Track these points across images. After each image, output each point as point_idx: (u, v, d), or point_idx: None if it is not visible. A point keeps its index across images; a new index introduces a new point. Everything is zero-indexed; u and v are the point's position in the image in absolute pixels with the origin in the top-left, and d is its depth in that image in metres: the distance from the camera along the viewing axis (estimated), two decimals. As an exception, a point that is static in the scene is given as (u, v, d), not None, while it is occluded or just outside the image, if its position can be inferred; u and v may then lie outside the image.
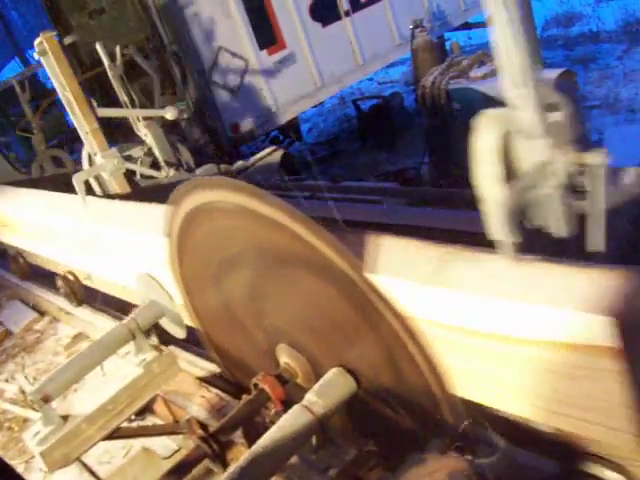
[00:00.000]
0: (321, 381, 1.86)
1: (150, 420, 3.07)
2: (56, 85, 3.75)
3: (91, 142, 3.73)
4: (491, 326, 1.51)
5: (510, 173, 1.55)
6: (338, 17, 7.99)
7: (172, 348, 2.93)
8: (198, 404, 2.68)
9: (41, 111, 7.73)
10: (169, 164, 5.31)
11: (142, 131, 5.34)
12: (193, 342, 2.91)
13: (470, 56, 6.06)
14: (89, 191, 3.67)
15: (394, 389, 1.78)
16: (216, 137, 6.86)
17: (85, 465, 3.05)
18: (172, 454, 2.88)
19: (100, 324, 3.75)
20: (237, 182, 1.93)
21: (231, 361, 2.58)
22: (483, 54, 6.04)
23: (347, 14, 8.03)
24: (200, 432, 2.02)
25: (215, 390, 2.69)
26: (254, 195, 1.80)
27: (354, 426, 1.99)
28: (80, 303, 3.97)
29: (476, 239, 1.64)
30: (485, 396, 1.66)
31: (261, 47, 7.27)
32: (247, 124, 7.08)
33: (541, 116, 1.52)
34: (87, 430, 2.47)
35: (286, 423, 1.81)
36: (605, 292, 1.35)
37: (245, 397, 2.07)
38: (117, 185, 3.83)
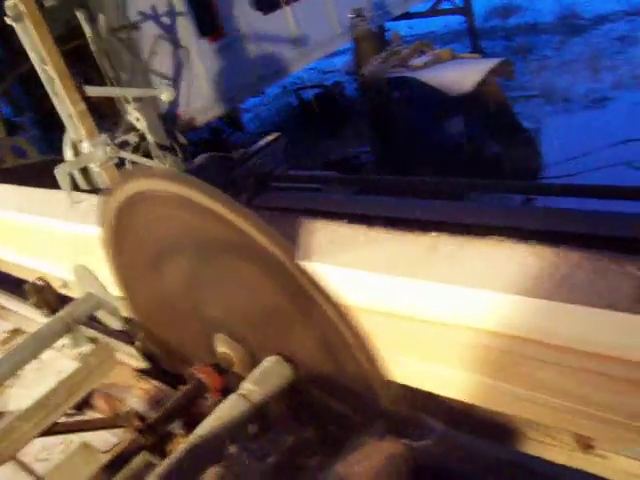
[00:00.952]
0: (258, 369, 1.86)
1: (89, 414, 3.01)
2: (33, 57, 3.19)
3: (77, 127, 3.20)
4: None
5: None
6: (279, 5, 7.95)
7: (109, 340, 2.88)
8: (137, 396, 2.64)
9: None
10: (164, 151, 4.81)
11: (133, 115, 4.76)
12: (131, 333, 2.87)
13: (410, 45, 6.10)
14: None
15: (331, 376, 1.79)
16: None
17: (21, 463, 2.98)
18: (112, 448, 2.83)
19: (39, 319, 3.65)
20: (170, 171, 1.91)
21: (169, 351, 2.55)
22: (422, 44, 6.09)
23: (287, 3, 8.00)
24: (137, 424, 1.99)
25: (154, 382, 2.66)
26: (188, 183, 1.77)
27: (293, 413, 1.99)
28: (53, 313, 3.38)
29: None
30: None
31: (201, 34, 7.18)
32: (187, 113, 7.00)
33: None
34: (22, 427, 2.42)
35: (223, 412, 1.80)
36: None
37: (182, 388, 2.05)
38: (108, 178, 3.41)
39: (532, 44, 11.16)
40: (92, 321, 2.83)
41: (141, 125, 4.65)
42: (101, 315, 2.76)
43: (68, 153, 3.79)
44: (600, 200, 3.41)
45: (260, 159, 5.21)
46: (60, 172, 2.96)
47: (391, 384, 1.69)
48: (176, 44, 6.85)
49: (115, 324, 2.80)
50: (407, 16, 11.20)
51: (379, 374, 1.68)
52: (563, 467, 1.68)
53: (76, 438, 3.01)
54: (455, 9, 10.55)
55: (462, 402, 1.67)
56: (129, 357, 2.95)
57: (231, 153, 5.23)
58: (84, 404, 2.97)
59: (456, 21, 12.97)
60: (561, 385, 1.40)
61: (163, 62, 6.86)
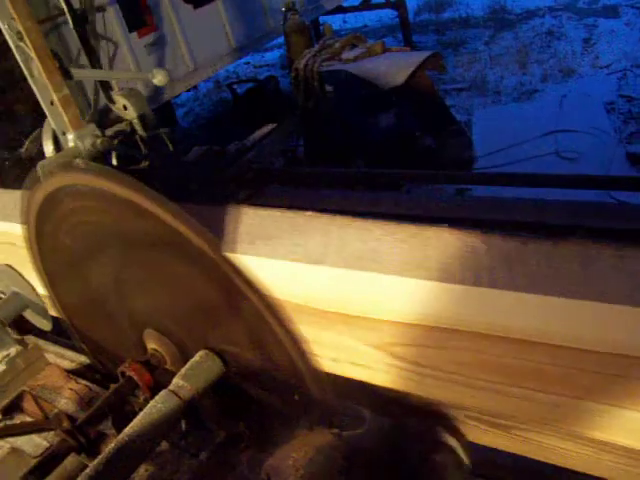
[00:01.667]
0: (188, 365, 1.84)
1: (19, 418, 2.93)
2: (7, 32, 2.76)
3: (59, 115, 2.70)
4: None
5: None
6: (210, -1, 7.87)
7: (38, 341, 2.82)
8: (67, 397, 2.58)
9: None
10: (154, 143, 4.35)
11: (119, 102, 4.17)
12: (60, 333, 2.81)
13: (342, 39, 6.12)
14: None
15: (261, 368, 1.78)
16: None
17: (-53, 471, 2.89)
18: (43, 452, 2.77)
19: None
20: (94, 165, 1.87)
21: (100, 351, 2.51)
22: (354, 37, 6.13)
23: (219, -4, 7.92)
24: (66, 425, 1.95)
25: (84, 381, 2.61)
26: (111, 177, 1.74)
27: (224, 408, 1.98)
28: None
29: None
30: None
31: (130, 29, 7.05)
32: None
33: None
34: (-53, 433, 2.34)
35: (153, 409, 1.78)
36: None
37: (112, 386, 2.01)
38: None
39: (463, 38, 11.33)
40: (19, 322, 2.75)
41: (130, 115, 4.03)
42: (29, 315, 2.69)
43: (49, 147, 3.34)
44: (531, 188, 3.48)
45: (257, 153, 4.91)
46: (42, 170, 2.48)
47: (320, 374, 1.70)
48: (104, 38, 6.71)
49: (43, 324, 2.73)
50: (341, 10, 11.24)
51: (308, 365, 1.68)
52: (491, 449, 1.72)
53: (5, 443, 2.94)
54: (387, 3, 10.61)
55: (391, 389, 1.68)
56: (59, 357, 2.89)
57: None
58: (13, 407, 2.89)
59: (389, 15, 13.08)
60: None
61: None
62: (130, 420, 1.86)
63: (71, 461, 2.02)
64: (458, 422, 1.67)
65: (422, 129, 5.81)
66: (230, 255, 1.63)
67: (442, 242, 1.45)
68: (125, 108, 4.09)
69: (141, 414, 1.78)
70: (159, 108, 7.51)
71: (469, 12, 13.12)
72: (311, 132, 5.93)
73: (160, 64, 7.28)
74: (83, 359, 2.73)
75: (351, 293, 1.51)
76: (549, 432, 1.48)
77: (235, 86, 9.07)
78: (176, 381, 1.81)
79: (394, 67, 5.30)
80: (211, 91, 11.26)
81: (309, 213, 1.69)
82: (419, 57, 5.56)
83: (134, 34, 7.08)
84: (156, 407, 1.78)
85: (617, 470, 1.45)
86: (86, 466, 2.07)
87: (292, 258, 1.56)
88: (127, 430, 1.76)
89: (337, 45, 5.93)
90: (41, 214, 2.09)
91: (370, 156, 5.17)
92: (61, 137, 2.67)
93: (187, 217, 1.62)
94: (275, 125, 5.53)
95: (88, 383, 2.60)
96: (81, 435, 1.92)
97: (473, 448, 1.74)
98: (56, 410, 2.47)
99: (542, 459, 1.60)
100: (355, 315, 1.53)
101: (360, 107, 5.37)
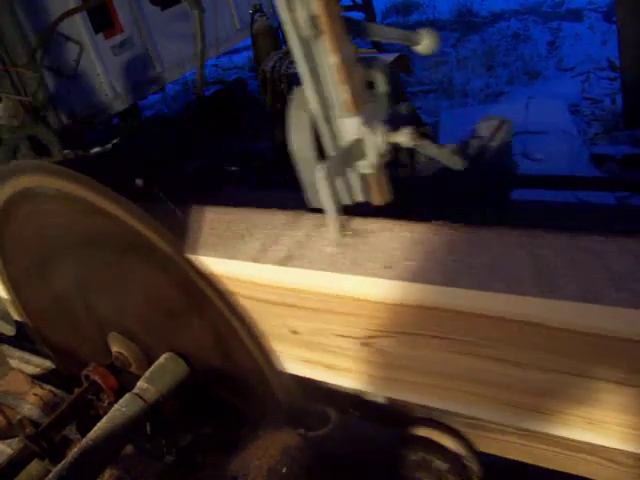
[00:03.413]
0: (152, 367, 1.83)
1: (-18, 425, 2.89)
2: None
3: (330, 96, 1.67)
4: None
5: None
6: (177, 1, 7.81)
7: (1, 346, 2.78)
8: (31, 403, 2.55)
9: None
10: None
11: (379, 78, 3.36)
12: (24, 338, 2.77)
13: (309, 41, 6.13)
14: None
15: (225, 370, 1.78)
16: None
17: None
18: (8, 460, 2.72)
19: None
20: (54, 166, 1.84)
21: (64, 355, 2.48)
22: (322, 39, 6.13)
23: (186, -3, 7.87)
24: (28, 431, 1.93)
25: (49, 387, 2.57)
26: (72, 179, 1.72)
27: (189, 410, 1.97)
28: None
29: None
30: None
31: (96, 31, 6.97)
32: (84, 111, 6.78)
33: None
34: None
35: (117, 413, 1.77)
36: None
37: (76, 390, 1.99)
38: (376, 187, 2.36)
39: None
40: (-18, 327, 2.71)
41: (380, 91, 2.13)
42: (-9, 320, 2.65)
43: (303, 138, 1.82)
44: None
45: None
46: (323, 176, 1.54)
47: (284, 375, 1.70)
48: (70, 40, 6.63)
49: (7, 329, 2.69)
50: (309, 12, 11.27)
51: (272, 366, 1.68)
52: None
53: (-32, 451, 2.89)
54: (355, 5, 10.64)
55: (356, 390, 1.68)
56: (23, 362, 2.85)
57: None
58: (-25, 414, 2.85)
59: (357, 17, 13.10)
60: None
61: (57, 58, 6.62)
62: (94, 424, 1.84)
63: (35, 467, 1.99)
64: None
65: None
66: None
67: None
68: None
69: (105, 418, 1.77)
70: (125, 111, 7.45)
71: (436, 15, 13.21)
72: (279, 134, 5.92)
73: (127, 66, 7.22)
74: (48, 364, 2.70)
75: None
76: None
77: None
78: (140, 384, 1.80)
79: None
80: (179, 93, 11.18)
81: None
82: (385, 59, 5.58)
83: (100, 35, 7.00)
84: (120, 410, 1.77)
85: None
86: (50, 472, 2.05)
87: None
88: (91, 434, 1.74)
89: (305, 47, 5.94)
90: (1, 217, 2.06)
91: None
92: (323, 124, 1.63)
93: (149, 219, 1.61)
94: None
95: (53, 388, 2.56)
96: (44, 441, 1.90)
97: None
98: (19, 416, 2.44)
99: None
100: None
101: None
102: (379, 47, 9.41)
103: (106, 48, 7.03)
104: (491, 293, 1.27)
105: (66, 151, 4.88)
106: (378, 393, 1.68)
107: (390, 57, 5.71)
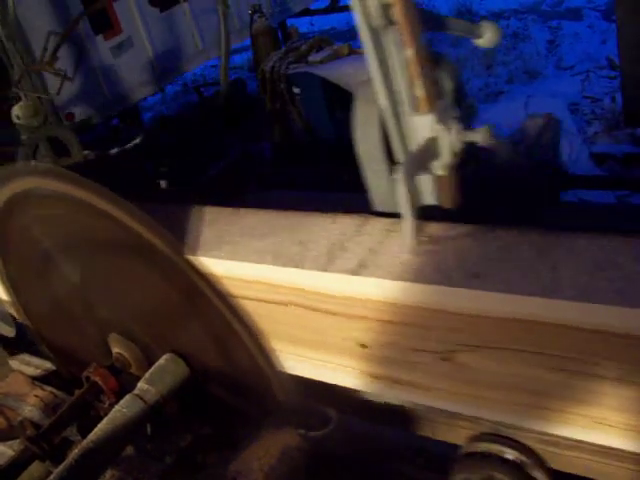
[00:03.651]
0: (152, 368, 1.83)
1: (-17, 427, 2.89)
2: None
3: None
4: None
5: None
6: (176, 1, 7.81)
7: (1, 348, 2.78)
8: (32, 404, 2.55)
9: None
10: None
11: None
12: (25, 340, 2.77)
13: (308, 41, 6.12)
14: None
15: (225, 370, 1.78)
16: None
17: None
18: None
19: None
20: (54, 168, 1.84)
21: (65, 356, 2.48)
22: (321, 39, 6.12)
23: (185, -1, 7.88)
24: (29, 433, 1.93)
25: (49, 388, 2.57)
26: (71, 181, 1.72)
27: (190, 411, 1.97)
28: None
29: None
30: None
31: (96, 32, 6.97)
32: (83, 112, 6.78)
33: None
34: None
35: (117, 414, 1.77)
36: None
37: (77, 392, 1.99)
38: (446, 190, 2.24)
39: (430, 40, 11.31)
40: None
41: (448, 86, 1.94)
42: (-9, 322, 2.65)
43: (371, 133, 1.73)
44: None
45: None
46: (401, 177, 1.47)
47: (285, 376, 1.69)
48: (69, 41, 6.62)
49: (7, 330, 2.69)
50: (308, 12, 11.24)
51: (272, 366, 1.68)
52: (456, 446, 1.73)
53: (-31, 453, 2.89)
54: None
55: (357, 390, 1.68)
56: (24, 364, 2.85)
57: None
58: (-23, 416, 2.85)
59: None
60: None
61: (57, 60, 6.61)
62: (95, 426, 1.85)
63: (36, 468, 1.99)
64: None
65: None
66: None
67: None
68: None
69: (105, 419, 1.77)
70: (124, 111, 7.45)
71: (435, 14, 13.21)
72: (278, 134, 5.92)
73: (127, 66, 7.22)
74: (48, 365, 2.70)
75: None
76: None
77: (202, 89, 9.04)
78: (141, 385, 1.80)
79: (360, 69, 5.30)
80: (178, 94, 11.18)
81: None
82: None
83: (100, 36, 7.00)
84: (121, 412, 1.77)
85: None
86: (51, 473, 2.05)
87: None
88: (91, 436, 1.74)
89: (304, 47, 5.92)
90: (1, 219, 2.06)
91: (337, 158, 5.16)
92: (392, 121, 1.51)
93: (150, 221, 1.61)
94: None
95: (53, 390, 2.56)
96: (45, 442, 1.90)
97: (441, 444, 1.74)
98: (20, 418, 2.44)
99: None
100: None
101: (327, 109, 5.38)
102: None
103: (105, 49, 7.03)
104: (599, 305, 1.16)
105: (86, 152, 4.90)
106: (452, 409, 1.54)
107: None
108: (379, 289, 1.40)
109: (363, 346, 1.51)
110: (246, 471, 1.58)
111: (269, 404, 1.73)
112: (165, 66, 7.67)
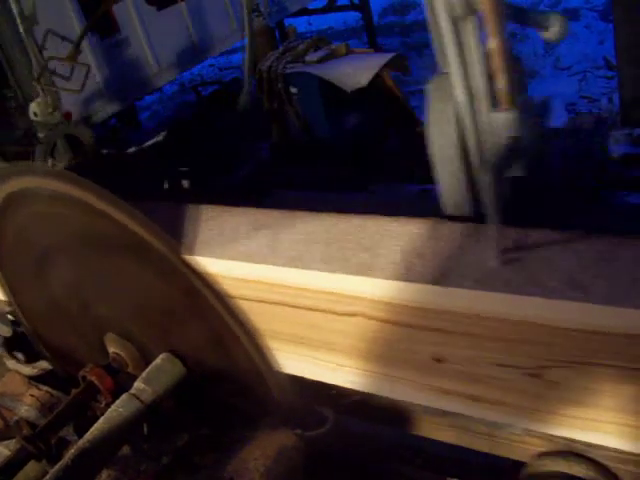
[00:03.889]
0: (149, 368, 1.82)
1: (-22, 427, 2.88)
2: None
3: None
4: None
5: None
6: (174, 1, 7.80)
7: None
8: (28, 404, 2.54)
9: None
10: None
11: None
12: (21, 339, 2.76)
13: (306, 40, 6.11)
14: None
15: (222, 369, 1.77)
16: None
17: None
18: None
19: None
20: (48, 168, 1.83)
21: (61, 356, 2.47)
22: (318, 39, 6.12)
23: (183, -2, 7.87)
24: (25, 432, 1.92)
25: (45, 388, 2.57)
26: (68, 180, 1.71)
27: (186, 410, 1.96)
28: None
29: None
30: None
31: (93, 31, 6.96)
32: (80, 112, 6.77)
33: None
34: None
35: (114, 413, 1.76)
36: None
37: (73, 391, 1.99)
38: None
39: (428, 40, 11.29)
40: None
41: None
42: (-12, 321, 2.64)
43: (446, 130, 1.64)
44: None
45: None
46: (490, 179, 1.44)
47: (282, 375, 1.69)
48: (67, 40, 6.60)
49: (3, 330, 2.69)
50: (306, 12, 11.25)
51: (269, 365, 1.67)
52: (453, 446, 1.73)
53: (-35, 453, 2.88)
54: (352, 5, 10.65)
55: (354, 390, 1.68)
56: (19, 364, 2.84)
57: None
58: (-28, 416, 2.84)
59: (354, 17, 13.09)
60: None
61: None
62: (92, 425, 1.84)
63: (32, 468, 1.99)
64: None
65: (387, 130, 5.82)
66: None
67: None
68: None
69: (102, 419, 1.76)
70: (122, 111, 7.43)
71: (433, 14, 13.20)
72: (276, 133, 5.91)
73: (124, 66, 7.20)
74: (45, 365, 2.69)
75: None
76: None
77: (200, 88, 9.03)
78: (137, 384, 1.80)
79: (358, 69, 5.31)
80: (176, 94, 11.17)
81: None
82: (383, 58, 5.56)
83: (97, 36, 6.99)
84: (117, 411, 1.76)
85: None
86: (47, 473, 2.05)
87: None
88: (88, 435, 1.74)
89: (301, 47, 5.92)
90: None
91: (335, 158, 5.17)
92: (469, 118, 1.41)
93: (146, 220, 1.61)
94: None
95: (50, 389, 2.56)
96: (41, 442, 1.89)
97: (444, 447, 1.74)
98: (16, 417, 2.43)
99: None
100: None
101: (324, 108, 5.37)
102: (377, 48, 9.43)
103: (102, 48, 7.02)
104: None
105: (104, 150, 4.89)
106: (532, 428, 1.47)
107: (387, 57, 5.71)
108: (464, 301, 1.31)
109: (439, 360, 1.44)
110: (242, 471, 1.58)
111: (267, 404, 1.73)
112: (163, 65, 7.65)
